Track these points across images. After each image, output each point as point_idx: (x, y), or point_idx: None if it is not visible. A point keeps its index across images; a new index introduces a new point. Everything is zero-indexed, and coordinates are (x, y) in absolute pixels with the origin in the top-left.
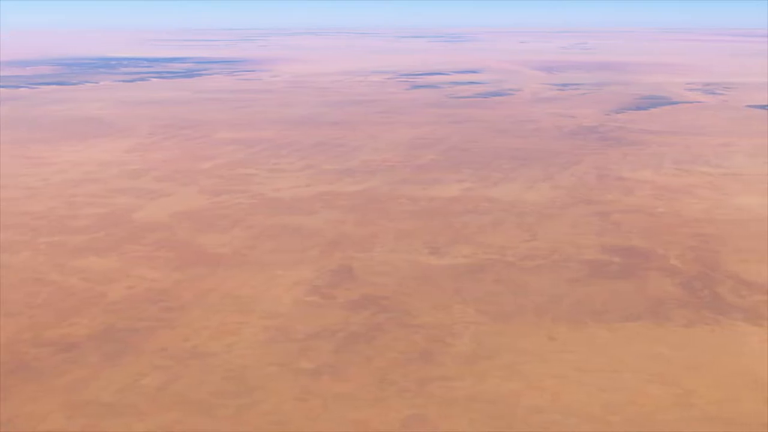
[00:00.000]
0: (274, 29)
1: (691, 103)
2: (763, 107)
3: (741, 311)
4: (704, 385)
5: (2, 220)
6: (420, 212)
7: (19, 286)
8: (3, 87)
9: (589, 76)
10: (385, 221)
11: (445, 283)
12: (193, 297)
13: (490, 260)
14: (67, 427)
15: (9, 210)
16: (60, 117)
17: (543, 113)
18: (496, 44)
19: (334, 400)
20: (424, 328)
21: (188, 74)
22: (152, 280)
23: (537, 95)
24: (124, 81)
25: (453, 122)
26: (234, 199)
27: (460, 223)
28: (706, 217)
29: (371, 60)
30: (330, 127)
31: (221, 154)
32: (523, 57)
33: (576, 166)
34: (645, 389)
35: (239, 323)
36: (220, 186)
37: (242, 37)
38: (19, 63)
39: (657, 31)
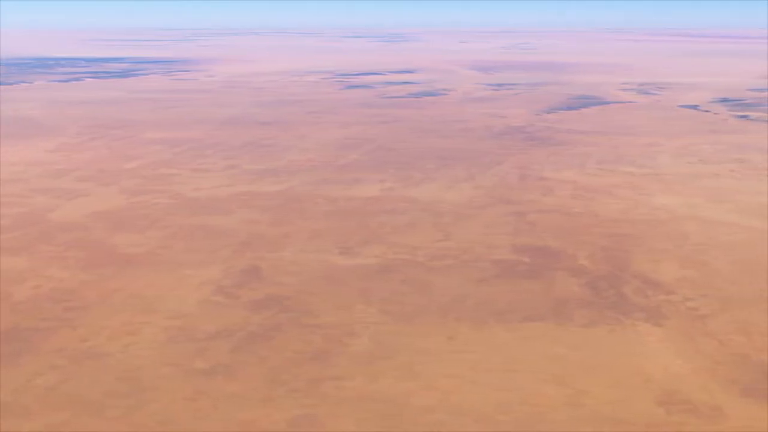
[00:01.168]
0: (218, 29)
1: (623, 103)
2: (694, 107)
3: (643, 311)
4: (598, 385)
5: None
6: (337, 212)
7: None
8: None
9: (525, 76)
10: (300, 221)
11: (352, 283)
12: (99, 297)
13: (400, 260)
14: None
15: None
16: None
17: (473, 113)
18: (436, 44)
19: (224, 400)
20: (324, 328)
21: (124, 74)
22: (59, 280)
23: (469, 95)
24: (59, 81)
25: (382, 122)
26: (153, 199)
27: (376, 223)
28: (623, 218)
29: (309, 60)
30: (259, 128)
31: (146, 154)
32: (461, 57)
33: (499, 166)
34: (539, 389)
35: (141, 323)
36: (141, 186)
37: (185, 37)
38: None
39: (601, 32)
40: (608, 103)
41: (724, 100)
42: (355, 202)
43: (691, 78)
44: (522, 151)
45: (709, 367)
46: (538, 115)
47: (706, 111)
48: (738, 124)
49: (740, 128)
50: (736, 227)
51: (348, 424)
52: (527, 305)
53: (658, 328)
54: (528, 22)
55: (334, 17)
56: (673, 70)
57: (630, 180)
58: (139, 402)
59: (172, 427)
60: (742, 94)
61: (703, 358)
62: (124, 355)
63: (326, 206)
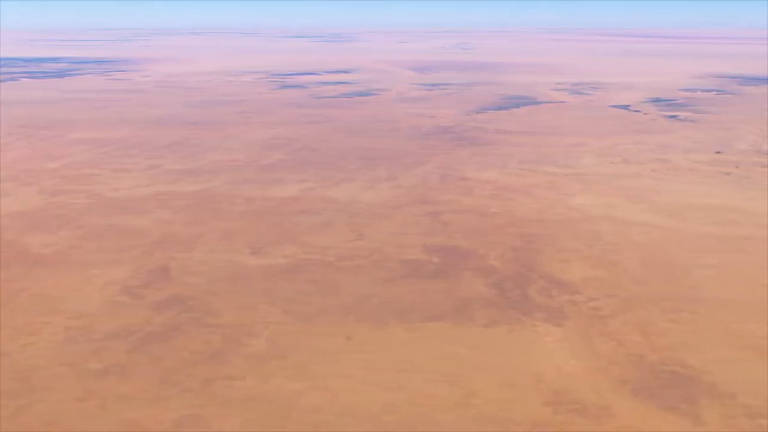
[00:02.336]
0: (160, 29)
1: (555, 103)
2: (625, 107)
3: (545, 311)
4: (489, 385)
5: None
6: (253, 212)
7: None
8: None
9: (461, 76)
10: (215, 221)
11: (257, 283)
12: (4, 297)
13: (310, 260)
14: None
15: None
16: None
17: (403, 113)
18: (376, 44)
19: (113, 401)
20: (224, 327)
21: (60, 74)
22: None
23: (402, 95)
24: None
25: (311, 122)
26: (70, 199)
27: (290, 223)
28: (538, 218)
29: (247, 60)
30: (188, 127)
31: (71, 154)
32: (399, 57)
33: (422, 166)
34: (429, 389)
35: (42, 323)
36: (61, 186)
37: (126, 37)
38: None
39: (544, 32)
40: (540, 103)
41: (656, 100)
42: (273, 202)
43: (626, 78)
44: (447, 151)
45: (602, 367)
46: (467, 115)
47: (637, 111)
48: (666, 124)
49: (668, 128)
50: (650, 227)
51: (233, 424)
52: (430, 305)
53: (558, 328)
54: (473, 23)
55: (277, 17)
56: (609, 70)
57: (550, 180)
58: (29, 402)
59: (58, 427)
60: (674, 95)
61: (598, 358)
62: (20, 355)
63: (243, 206)
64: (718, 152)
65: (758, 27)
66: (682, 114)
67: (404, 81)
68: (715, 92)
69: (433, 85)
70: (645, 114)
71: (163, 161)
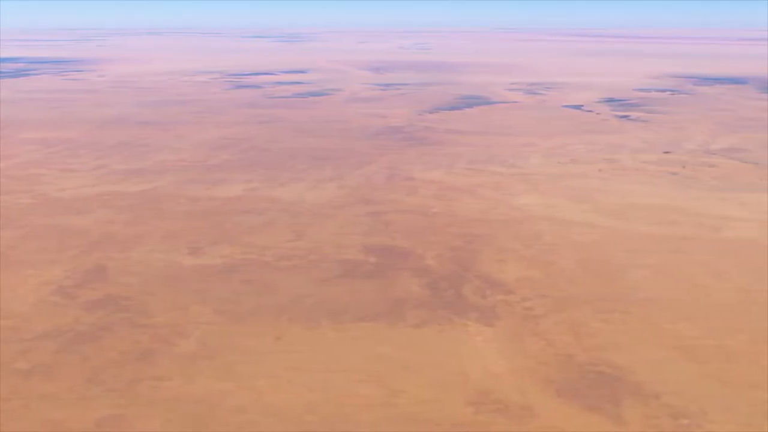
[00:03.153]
0: (119, 29)
1: (508, 103)
2: (578, 107)
3: (478, 311)
4: (414, 385)
5: None
6: (195, 212)
7: None
8: None
9: (416, 76)
10: (156, 221)
11: (193, 283)
12: None
13: (247, 260)
14: None
15: None
16: None
17: (355, 113)
18: (335, 44)
19: (37, 401)
20: (155, 328)
21: (16, 74)
22: None
23: (356, 95)
24: None
25: (262, 122)
26: (15, 199)
27: (231, 224)
28: (480, 217)
29: (205, 60)
30: (139, 127)
31: (19, 154)
32: (356, 57)
33: (369, 166)
34: (354, 389)
35: None
36: (6, 186)
37: (85, 37)
38: None
39: (506, 31)
40: (493, 103)
41: (610, 100)
42: (217, 202)
43: (583, 78)
44: (395, 151)
45: (530, 368)
46: (420, 115)
47: (589, 111)
48: (617, 124)
49: (618, 128)
50: (590, 227)
51: (155, 424)
52: (363, 305)
53: (489, 328)
54: (435, 23)
55: (236, 17)
56: (567, 70)
57: (496, 180)
58: None
59: None
60: (628, 94)
61: (526, 358)
62: None
63: (187, 206)
64: (666, 152)
65: (735, 27)
66: (634, 114)
67: (359, 81)
68: (669, 92)
69: (387, 85)
70: (597, 114)
71: (111, 161)
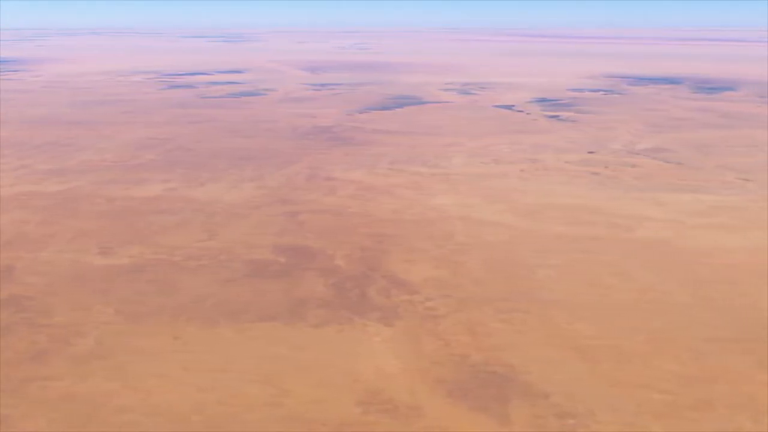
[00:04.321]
0: (59, 29)
1: (440, 103)
2: (509, 107)
3: (380, 311)
4: (305, 385)
5: None
6: (111, 212)
7: None
8: None
9: (352, 76)
10: (70, 221)
11: (98, 283)
12: None
13: (156, 260)
14: None
15: None
16: None
17: (285, 113)
18: (275, 44)
19: None
20: (54, 328)
21: None
22: None
23: (289, 95)
24: None
25: (191, 122)
26: None
27: (145, 223)
28: (394, 218)
29: (142, 60)
30: (67, 127)
31: None
32: (295, 57)
33: (291, 166)
34: (243, 389)
35: None
36: None
37: (25, 37)
38: None
39: (446, 32)
40: (425, 103)
41: (542, 100)
42: (133, 202)
43: (518, 78)
44: (320, 152)
45: (423, 368)
46: (349, 115)
47: (520, 111)
48: (546, 124)
49: (547, 128)
50: (503, 227)
51: (39, 423)
52: (265, 305)
53: (388, 328)
54: (378, 22)
55: (182, 17)
56: (503, 70)
57: (416, 180)
58: None
59: None
60: (561, 95)
61: (421, 358)
62: None
63: (103, 206)
64: (590, 152)
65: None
66: (564, 114)
67: (294, 81)
68: (603, 92)
69: (321, 85)
70: (527, 114)
71: (34, 161)
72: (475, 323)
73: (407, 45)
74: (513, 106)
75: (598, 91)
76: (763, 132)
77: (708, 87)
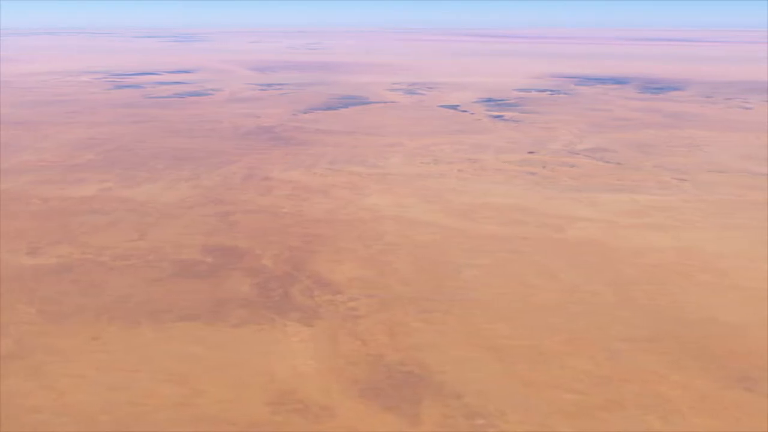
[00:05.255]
0: (13, 29)
1: (386, 103)
2: (454, 107)
3: (301, 311)
4: (219, 385)
5: None
6: (44, 212)
7: None
8: None
9: (301, 76)
10: (3, 221)
11: (24, 283)
12: None
13: (83, 260)
14: None
15: None
16: None
17: (230, 114)
18: (227, 44)
19: None
20: None
21: None
22: None
23: (235, 95)
24: None
25: (134, 122)
26: None
27: (77, 223)
28: (327, 218)
29: (92, 60)
30: (9, 128)
31: None
32: (246, 57)
33: (229, 166)
34: (155, 389)
35: None
36: None
37: None
38: None
39: (399, 32)
40: (371, 103)
41: (488, 101)
42: (68, 202)
43: (466, 78)
44: (260, 152)
45: (338, 368)
46: (293, 115)
47: (465, 111)
48: (489, 124)
49: (489, 128)
50: (435, 227)
51: None
52: (188, 305)
53: (308, 328)
54: (332, 22)
55: (134, 17)
56: (452, 70)
57: (353, 180)
58: None
59: None
60: (508, 95)
61: (337, 358)
62: None
63: (36, 206)
64: (530, 152)
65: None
66: (508, 114)
67: (242, 81)
68: (549, 92)
69: (268, 85)
70: (472, 114)
71: None
72: (396, 323)
73: (360, 45)
74: (458, 106)
75: (545, 91)
76: (704, 132)
77: (656, 87)
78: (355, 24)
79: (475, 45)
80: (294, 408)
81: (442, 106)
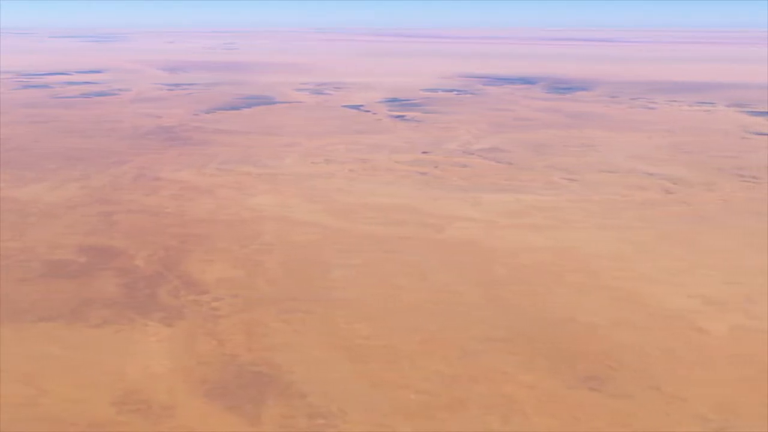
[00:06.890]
0: None
1: (291, 103)
2: (357, 107)
3: (164, 311)
4: (67, 385)
5: None
6: None
7: None
8: None
9: (210, 76)
10: None
11: None
12: None
13: None
14: None
15: None
16: None
17: (132, 113)
18: (143, 44)
19: None
20: None
21: None
22: None
23: (141, 95)
24: None
25: (35, 122)
26: None
27: None
28: (207, 218)
29: (2, 60)
30: None
31: None
32: (159, 57)
33: (121, 166)
34: (1, 390)
35: None
36: None
37: None
38: None
39: (316, 32)
40: (275, 103)
41: (392, 101)
42: None
43: (374, 78)
44: (155, 151)
45: (190, 368)
46: (195, 115)
47: (367, 111)
48: (390, 124)
49: (389, 128)
50: (315, 227)
51: None
52: (51, 305)
53: (168, 328)
54: (252, 23)
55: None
56: (362, 70)
57: (241, 180)
58: None
59: None
60: (414, 95)
61: (191, 358)
62: None
63: None
64: (424, 152)
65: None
66: (410, 114)
67: (151, 81)
68: (456, 92)
69: (176, 85)
70: (374, 114)
71: None
72: (255, 323)
73: (276, 45)
74: (361, 106)
75: (452, 91)
76: (602, 132)
77: (562, 87)
78: (275, 24)
79: (398, 45)
80: (137, 408)
81: (345, 106)
